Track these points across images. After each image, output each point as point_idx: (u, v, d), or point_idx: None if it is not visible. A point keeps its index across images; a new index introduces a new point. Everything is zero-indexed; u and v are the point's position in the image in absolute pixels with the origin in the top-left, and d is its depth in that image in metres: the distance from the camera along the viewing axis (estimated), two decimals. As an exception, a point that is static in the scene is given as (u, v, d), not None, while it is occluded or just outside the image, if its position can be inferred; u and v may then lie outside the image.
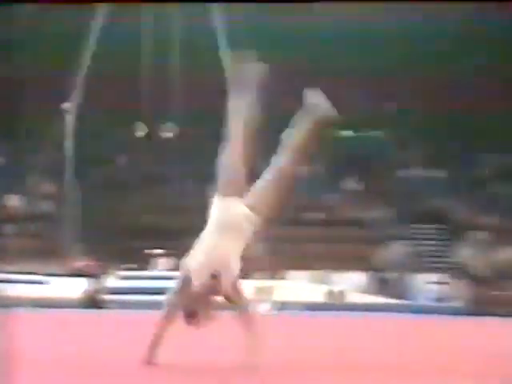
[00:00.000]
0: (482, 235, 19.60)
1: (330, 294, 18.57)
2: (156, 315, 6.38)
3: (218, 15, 25.63)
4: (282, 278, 21.17)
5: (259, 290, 17.82)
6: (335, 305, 18.38)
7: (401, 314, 17.51)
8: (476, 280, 18.46)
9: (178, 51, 25.80)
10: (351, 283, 20.25)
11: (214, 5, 25.59)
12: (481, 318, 16.57)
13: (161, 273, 20.86)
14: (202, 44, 25.51)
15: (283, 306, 17.68)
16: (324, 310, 18.03)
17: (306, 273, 21.36)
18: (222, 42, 25.59)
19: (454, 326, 15.03)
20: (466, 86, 27.01)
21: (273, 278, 20.72)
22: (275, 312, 17.25)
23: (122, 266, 21.51)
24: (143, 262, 22.82)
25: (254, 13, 26.18)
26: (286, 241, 22.21)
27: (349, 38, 27.32)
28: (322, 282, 20.58)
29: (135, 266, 22.29)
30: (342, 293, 18.57)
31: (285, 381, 6.08)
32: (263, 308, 17.18)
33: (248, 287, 17.28)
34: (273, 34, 27.29)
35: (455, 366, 7.73)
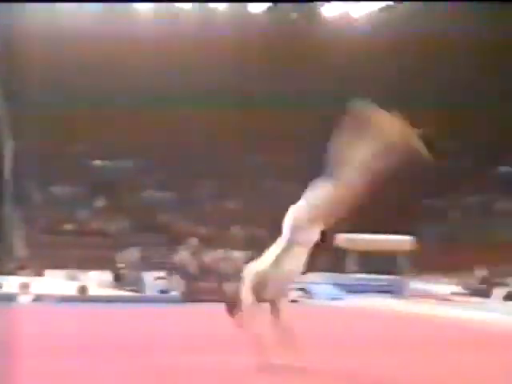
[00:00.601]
0: (194, 241, 20.09)
1: (81, 288, 18.41)
2: None
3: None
4: (42, 276, 21.00)
5: (22, 285, 17.60)
6: (84, 297, 18.23)
7: (136, 304, 17.57)
8: (189, 276, 18.96)
9: None
10: (97, 280, 20.17)
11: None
12: (192, 304, 17.40)
13: None
14: None
15: (41, 298, 17.53)
16: (76, 301, 17.87)
17: (62, 271, 21.29)
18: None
19: (174, 311, 15.67)
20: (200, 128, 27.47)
21: (34, 275, 20.54)
22: (35, 303, 17.13)
23: None
24: None
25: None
26: (47, 246, 22.17)
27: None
28: (75, 279, 20.51)
29: None
30: (87, 287, 18.57)
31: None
32: (25, 300, 16.97)
33: (13, 283, 17.36)
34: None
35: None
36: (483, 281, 22.00)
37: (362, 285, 21.66)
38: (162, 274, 19.59)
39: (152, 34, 27.12)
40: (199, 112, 27.23)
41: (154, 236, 23.84)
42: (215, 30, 27.66)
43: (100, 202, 26.36)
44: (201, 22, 27.79)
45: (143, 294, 18.84)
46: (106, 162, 28.41)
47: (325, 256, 22.62)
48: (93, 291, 18.52)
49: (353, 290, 20.88)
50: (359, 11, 30.70)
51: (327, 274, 22.35)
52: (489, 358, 8.47)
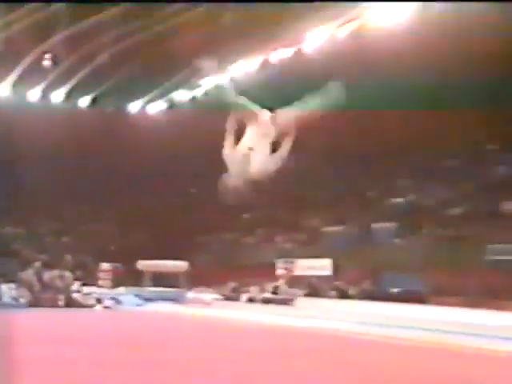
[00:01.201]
0: (37, 264, 19.74)
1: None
2: None
3: None
4: None
5: None
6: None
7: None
8: (32, 289, 18.88)
9: None
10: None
11: None
12: (35, 309, 17.10)
13: None
14: None
15: None
16: None
17: None
18: None
19: (22, 315, 15.66)
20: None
21: None
22: None
23: None
24: None
25: None
26: None
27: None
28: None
29: None
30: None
31: None
32: None
33: None
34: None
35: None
36: (234, 290, 23.32)
37: (155, 295, 22.61)
38: (13, 286, 19.10)
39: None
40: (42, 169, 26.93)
41: (9, 259, 23.66)
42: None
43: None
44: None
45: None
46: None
47: (129, 276, 23.54)
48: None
49: (149, 299, 21.99)
50: (156, 108, 31.58)
51: (131, 288, 23.16)
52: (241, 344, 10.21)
